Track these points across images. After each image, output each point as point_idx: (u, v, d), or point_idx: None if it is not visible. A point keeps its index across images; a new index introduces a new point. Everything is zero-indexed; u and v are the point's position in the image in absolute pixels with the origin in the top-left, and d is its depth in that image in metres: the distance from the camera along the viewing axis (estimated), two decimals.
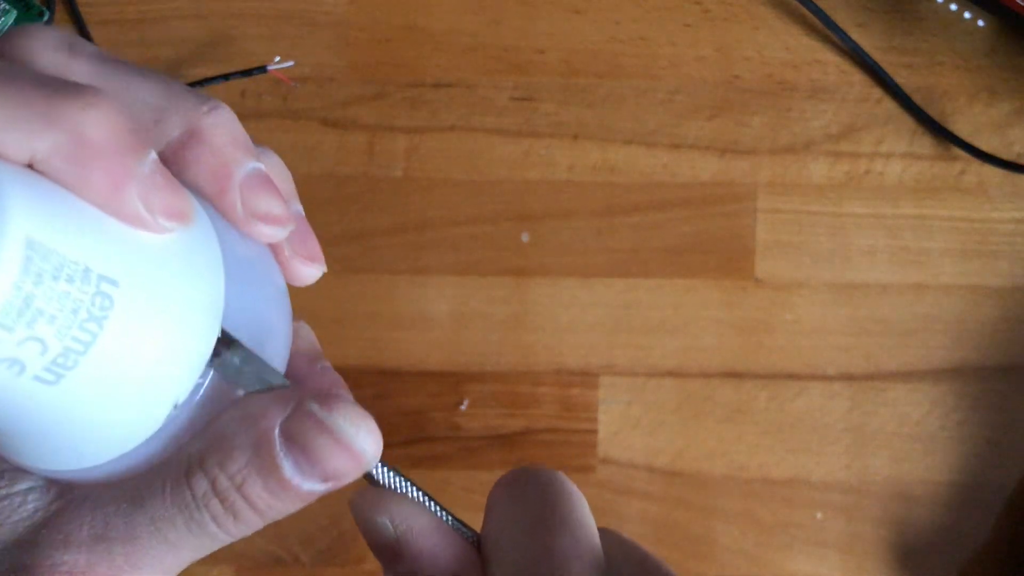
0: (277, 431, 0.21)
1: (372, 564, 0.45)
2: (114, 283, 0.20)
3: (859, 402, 0.45)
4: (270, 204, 0.23)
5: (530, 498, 0.24)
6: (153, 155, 0.21)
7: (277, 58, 0.44)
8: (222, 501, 0.21)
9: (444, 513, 0.24)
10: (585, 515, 0.24)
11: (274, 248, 0.25)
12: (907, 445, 0.45)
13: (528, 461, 0.44)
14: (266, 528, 0.23)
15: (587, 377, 0.45)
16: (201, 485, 0.21)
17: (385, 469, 0.23)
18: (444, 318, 0.45)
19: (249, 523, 0.22)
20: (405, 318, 0.45)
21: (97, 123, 0.20)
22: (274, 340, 0.24)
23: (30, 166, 0.20)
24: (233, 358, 0.22)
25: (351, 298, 0.45)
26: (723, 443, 0.45)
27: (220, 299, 0.22)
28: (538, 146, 0.45)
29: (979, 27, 0.45)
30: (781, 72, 0.45)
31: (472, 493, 0.45)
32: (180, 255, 0.22)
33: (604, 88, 0.45)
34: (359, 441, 0.21)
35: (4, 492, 0.23)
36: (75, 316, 0.20)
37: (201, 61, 0.45)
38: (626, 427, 0.45)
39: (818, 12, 0.45)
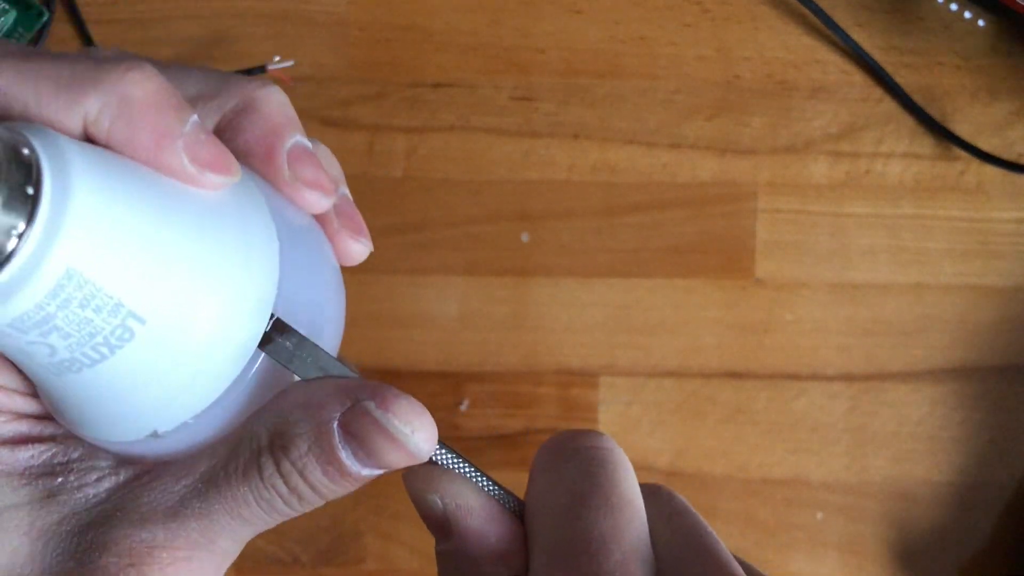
0: (336, 424, 0.22)
1: (372, 564, 0.45)
2: (141, 321, 0.21)
3: (859, 402, 0.45)
4: (316, 173, 0.25)
5: (572, 470, 0.24)
6: (195, 117, 0.22)
7: (277, 58, 0.44)
8: (287, 483, 0.22)
9: (493, 485, 0.24)
10: (630, 489, 0.24)
11: (321, 222, 0.26)
12: (907, 445, 0.45)
13: (528, 461, 0.44)
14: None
15: (587, 377, 0.45)
16: (268, 468, 0.22)
17: (437, 446, 0.24)
18: (444, 318, 0.45)
19: (312, 502, 0.23)
20: (405, 318, 0.45)
21: (139, 83, 0.22)
22: (329, 321, 0.25)
23: (86, 135, 0.21)
24: (285, 343, 0.23)
25: (351, 298, 0.45)
26: (723, 443, 0.45)
27: (272, 284, 0.23)
28: (538, 146, 0.45)
29: (979, 27, 0.45)
30: (781, 72, 0.45)
31: None
32: (233, 239, 0.23)
33: (604, 88, 0.45)
34: (413, 442, 0.22)
35: (72, 483, 0.24)
36: (91, 339, 0.21)
37: (201, 61, 0.45)
38: (626, 427, 0.45)
39: (818, 12, 0.45)
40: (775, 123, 0.45)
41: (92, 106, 0.21)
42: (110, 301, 0.21)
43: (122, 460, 0.24)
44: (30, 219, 0.20)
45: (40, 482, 0.24)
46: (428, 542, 0.50)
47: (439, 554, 0.25)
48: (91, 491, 0.24)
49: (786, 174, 0.45)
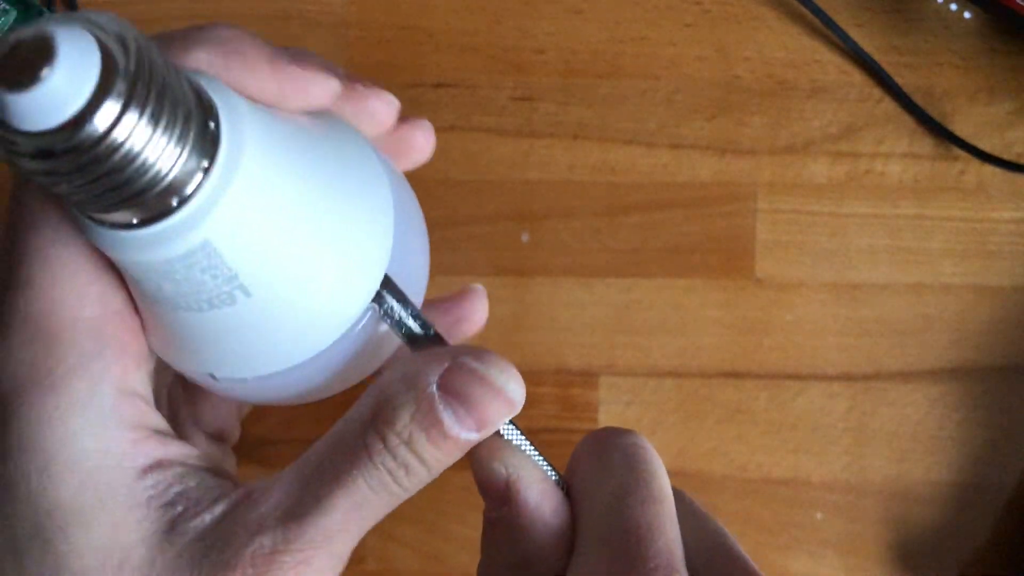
0: (435, 387, 0.23)
1: (372, 564, 0.45)
2: (247, 293, 0.22)
3: (859, 402, 0.45)
4: (373, 84, 0.28)
5: (616, 462, 0.25)
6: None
7: None
8: (394, 457, 0.23)
9: (545, 463, 0.26)
10: (665, 484, 0.25)
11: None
12: (907, 445, 0.45)
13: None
14: None
15: (587, 377, 0.45)
16: (375, 445, 0.23)
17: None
18: None
19: (419, 476, 0.24)
20: None
21: (226, 28, 0.24)
22: (422, 280, 0.27)
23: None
24: (391, 298, 0.24)
25: None
26: (723, 443, 0.45)
27: (386, 253, 0.25)
28: (538, 146, 0.45)
29: (979, 27, 0.45)
30: (781, 72, 0.45)
31: (471, 493, 0.45)
32: (359, 209, 0.24)
33: (604, 88, 0.45)
34: (510, 387, 0.24)
35: (193, 508, 0.24)
36: (198, 292, 0.22)
37: None
38: (626, 427, 0.45)
39: (818, 12, 0.45)
40: (775, 123, 0.45)
41: (200, 56, 0.23)
42: (229, 272, 0.22)
43: (228, 487, 0.24)
44: (211, 161, 0.21)
45: (161, 513, 0.23)
46: (428, 542, 0.50)
47: (489, 520, 0.26)
48: (207, 517, 0.24)
49: (786, 174, 0.45)
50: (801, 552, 0.45)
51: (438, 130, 0.47)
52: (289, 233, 0.22)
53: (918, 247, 0.45)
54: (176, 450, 0.24)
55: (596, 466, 0.25)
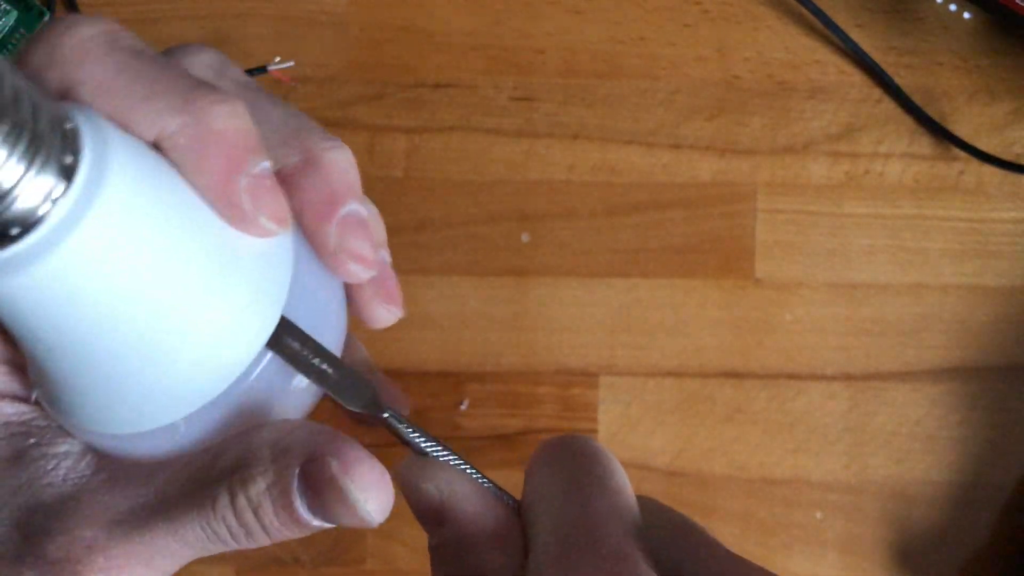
0: (297, 471, 0.22)
1: (372, 564, 0.45)
2: (111, 335, 0.21)
3: (859, 402, 0.45)
4: (363, 246, 0.25)
5: (567, 463, 0.24)
6: (267, 163, 0.23)
7: (277, 58, 0.44)
8: (237, 518, 0.23)
9: (487, 481, 0.25)
10: (621, 479, 0.24)
11: (355, 289, 0.26)
12: (907, 445, 0.45)
13: (528, 461, 0.44)
14: None
15: (587, 377, 0.45)
16: (222, 499, 0.22)
17: (430, 441, 0.25)
18: (444, 318, 0.45)
19: (258, 540, 0.23)
20: (405, 318, 0.45)
21: (224, 117, 0.22)
22: (329, 328, 0.25)
23: (155, 144, 0.22)
24: (293, 342, 0.23)
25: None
26: (723, 443, 0.45)
27: (284, 291, 0.23)
28: (538, 146, 0.45)
29: (979, 27, 0.45)
30: (781, 72, 0.45)
31: None
32: (255, 256, 0.23)
33: (604, 88, 0.45)
34: (365, 509, 0.23)
35: (41, 452, 0.24)
36: (59, 334, 0.21)
37: None
38: (626, 427, 0.45)
39: (818, 12, 0.45)
40: (774, 123, 0.45)
41: (173, 124, 0.22)
42: (87, 311, 0.21)
43: (90, 447, 0.24)
44: (67, 187, 0.20)
45: (13, 440, 0.24)
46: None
47: (433, 549, 0.25)
48: (53, 465, 0.24)
49: (785, 174, 0.45)
50: (801, 552, 0.45)
51: (438, 130, 0.47)
52: (158, 278, 0.21)
53: (918, 247, 0.45)
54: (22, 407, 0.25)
55: (548, 470, 0.25)
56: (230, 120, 0.22)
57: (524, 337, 0.45)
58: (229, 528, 0.23)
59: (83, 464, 0.24)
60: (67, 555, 0.23)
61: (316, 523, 0.23)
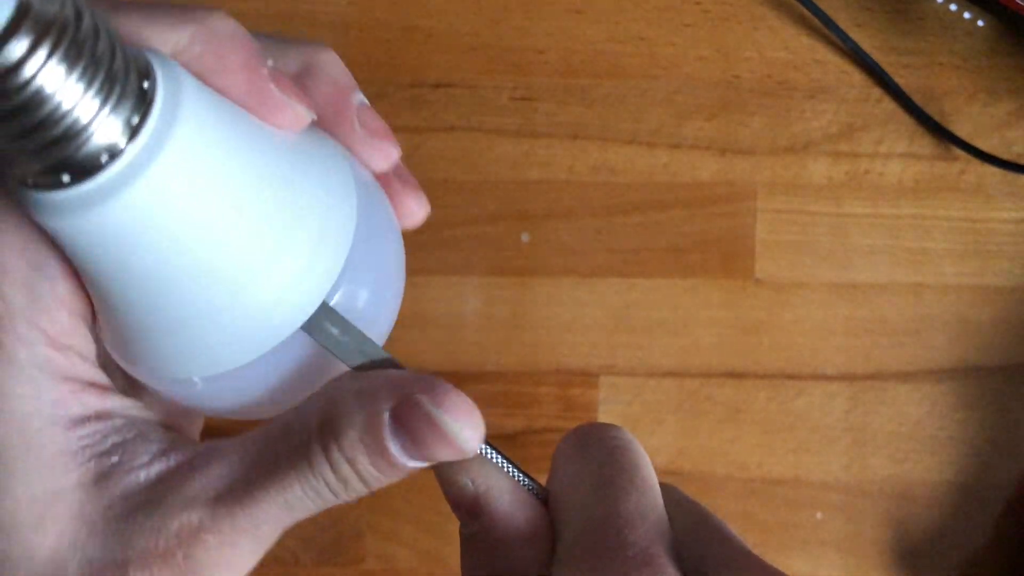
0: (387, 415, 0.23)
1: (372, 564, 0.45)
2: (185, 276, 0.22)
3: (859, 402, 0.45)
4: (384, 126, 0.26)
5: (595, 457, 0.25)
6: (271, 61, 0.23)
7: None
8: (335, 471, 0.23)
9: (518, 472, 0.25)
10: (649, 475, 0.24)
11: (385, 183, 0.27)
12: (907, 445, 0.45)
13: (528, 461, 0.44)
14: None
15: (587, 377, 0.45)
16: (317, 455, 0.23)
17: None
18: (444, 318, 0.45)
19: (356, 491, 0.23)
20: (405, 318, 0.45)
21: (223, 21, 0.23)
22: (386, 302, 0.25)
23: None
24: (332, 328, 0.23)
25: None
26: (723, 443, 0.45)
27: (340, 260, 0.23)
28: (538, 146, 0.45)
29: (979, 27, 0.45)
30: (781, 72, 0.45)
31: None
32: (312, 203, 0.23)
33: (604, 88, 0.45)
34: (462, 437, 0.23)
35: (127, 463, 0.24)
36: (130, 270, 0.21)
37: None
38: (626, 427, 0.45)
39: (818, 12, 0.45)
40: (775, 123, 0.45)
41: (183, 35, 0.22)
42: (163, 247, 0.21)
43: (171, 445, 0.24)
44: (143, 121, 0.20)
45: (93, 463, 0.24)
46: (428, 542, 0.50)
47: (464, 538, 0.25)
48: (142, 474, 0.24)
49: (786, 174, 0.45)
50: (801, 552, 0.45)
51: (438, 130, 0.47)
52: (229, 218, 0.21)
53: (918, 247, 0.45)
54: (118, 403, 0.24)
55: (576, 462, 0.25)
56: (229, 23, 0.23)
57: (524, 337, 0.45)
58: (328, 483, 0.23)
59: (171, 460, 0.24)
60: (177, 544, 0.23)
61: (411, 464, 0.23)
